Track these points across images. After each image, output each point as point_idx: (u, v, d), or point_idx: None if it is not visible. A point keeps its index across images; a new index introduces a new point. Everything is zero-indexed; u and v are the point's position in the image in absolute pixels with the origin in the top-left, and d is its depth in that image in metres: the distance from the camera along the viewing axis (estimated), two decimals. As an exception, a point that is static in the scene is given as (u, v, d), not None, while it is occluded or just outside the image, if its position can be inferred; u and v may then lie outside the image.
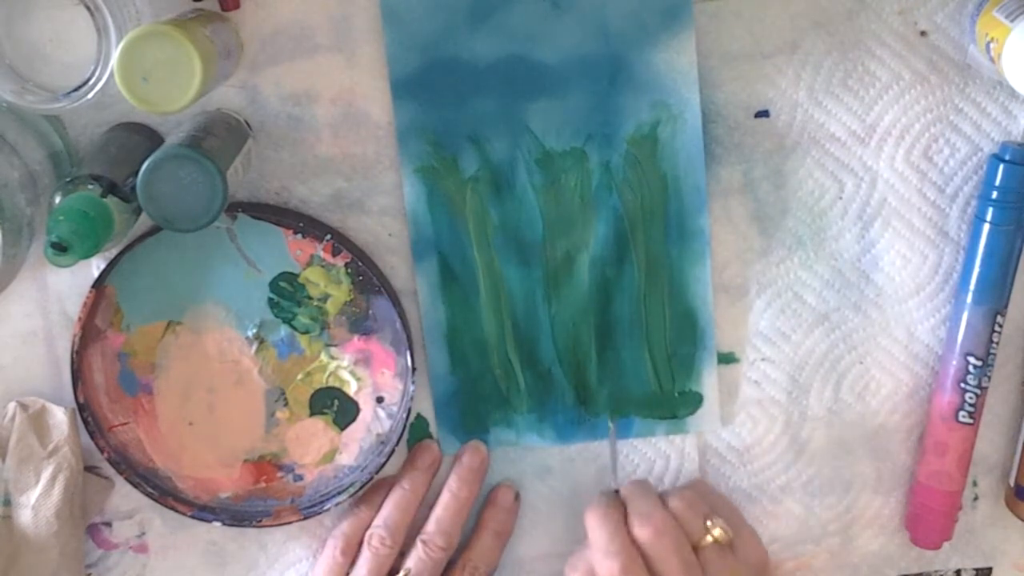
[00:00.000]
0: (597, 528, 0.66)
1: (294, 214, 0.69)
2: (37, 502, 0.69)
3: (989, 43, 0.64)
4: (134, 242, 0.68)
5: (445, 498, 0.71)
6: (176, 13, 0.62)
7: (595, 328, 0.72)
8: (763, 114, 0.69)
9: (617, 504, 0.67)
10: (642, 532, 0.65)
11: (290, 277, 0.70)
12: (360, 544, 0.71)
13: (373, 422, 0.72)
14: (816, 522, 0.75)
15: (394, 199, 0.70)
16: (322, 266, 0.70)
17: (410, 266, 0.71)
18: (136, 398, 0.71)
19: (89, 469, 0.72)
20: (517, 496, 0.74)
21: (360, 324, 0.71)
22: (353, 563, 0.71)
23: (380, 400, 0.72)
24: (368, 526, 0.71)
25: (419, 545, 0.70)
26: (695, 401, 0.73)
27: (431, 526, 0.71)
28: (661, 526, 0.65)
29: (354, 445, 0.72)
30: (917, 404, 0.73)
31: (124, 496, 0.73)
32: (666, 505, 0.67)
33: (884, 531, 0.75)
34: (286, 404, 0.72)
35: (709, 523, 0.66)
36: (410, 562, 0.70)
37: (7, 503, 0.69)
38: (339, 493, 0.71)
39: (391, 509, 0.71)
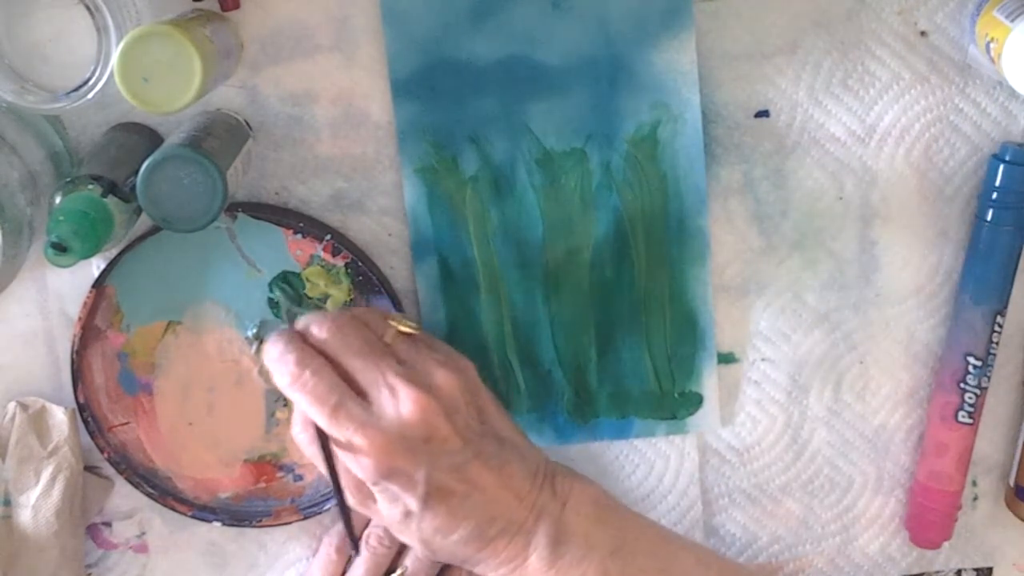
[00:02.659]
0: (270, 348, 0.62)
1: (294, 214, 0.69)
2: (37, 502, 0.69)
3: (989, 43, 0.64)
4: (134, 242, 0.68)
5: None
6: (176, 13, 0.62)
7: (595, 328, 0.72)
8: (763, 114, 0.69)
9: (294, 334, 0.63)
10: (319, 331, 0.61)
11: (290, 277, 0.70)
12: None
13: (373, 422, 0.72)
14: (816, 522, 0.75)
15: (394, 199, 0.70)
16: (322, 266, 0.70)
17: (410, 266, 0.71)
18: (136, 398, 0.71)
19: (89, 469, 0.72)
20: None
21: (360, 324, 0.71)
22: (349, 561, 0.71)
23: (380, 400, 0.72)
24: (365, 526, 0.71)
25: None
26: (695, 401, 0.73)
27: None
28: (338, 319, 0.62)
29: (354, 445, 0.72)
30: (917, 404, 0.73)
31: (124, 496, 0.73)
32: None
33: (884, 531, 0.76)
34: (286, 404, 0.72)
35: (392, 320, 0.64)
36: (407, 561, 0.70)
37: (7, 503, 0.69)
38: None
39: None
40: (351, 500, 0.64)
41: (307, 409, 0.60)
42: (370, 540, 0.70)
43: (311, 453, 0.63)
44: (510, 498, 0.63)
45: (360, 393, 0.61)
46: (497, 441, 0.64)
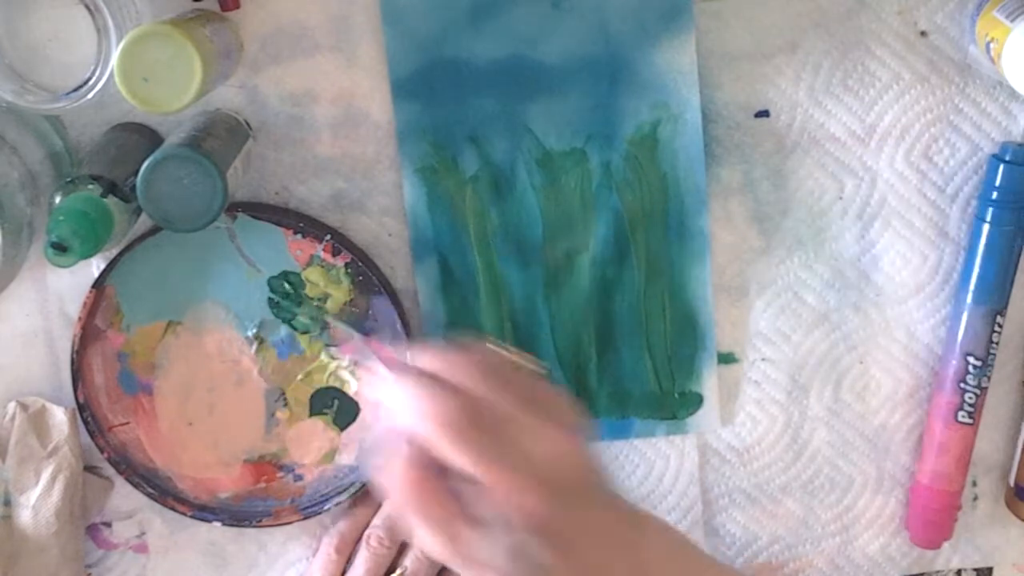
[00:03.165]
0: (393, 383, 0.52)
1: (294, 214, 0.69)
2: (37, 502, 0.69)
3: (989, 43, 0.64)
4: (134, 242, 0.68)
5: None
6: (176, 13, 0.62)
7: (595, 328, 0.72)
8: (763, 114, 0.69)
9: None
10: (428, 360, 0.53)
11: (290, 277, 0.70)
12: (356, 543, 0.71)
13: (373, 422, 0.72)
14: (816, 522, 0.75)
15: (394, 199, 0.70)
16: (322, 266, 0.70)
17: (410, 266, 0.71)
18: (136, 398, 0.71)
19: (89, 469, 0.72)
20: None
21: (360, 324, 0.71)
22: (349, 561, 0.71)
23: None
24: (365, 526, 0.71)
25: (416, 545, 0.70)
26: (695, 401, 0.73)
27: None
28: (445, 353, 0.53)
29: (354, 445, 0.72)
30: (917, 404, 0.73)
31: (124, 496, 0.73)
32: None
33: (884, 531, 0.76)
34: (286, 404, 0.72)
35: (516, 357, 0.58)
36: (407, 560, 0.70)
37: (7, 503, 0.69)
38: (339, 493, 0.71)
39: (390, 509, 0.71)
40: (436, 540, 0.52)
41: (446, 444, 0.50)
42: (370, 540, 0.70)
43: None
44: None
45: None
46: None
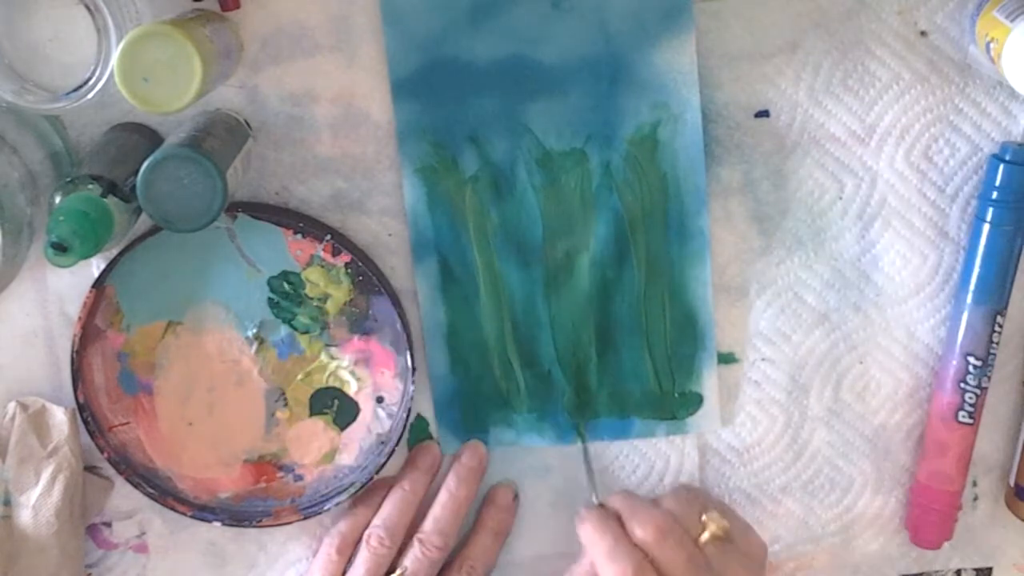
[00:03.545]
0: (597, 538, 0.65)
1: (294, 214, 0.69)
2: (37, 502, 0.69)
3: (989, 43, 0.64)
4: (134, 242, 0.68)
5: (443, 497, 0.71)
6: (176, 13, 0.62)
7: (595, 329, 0.72)
8: (763, 114, 0.69)
9: (609, 513, 0.67)
10: (645, 533, 0.64)
11: (290, 276, 0.70)
12: (357, 543, 0.71)
13: (373, 422, 0.72)
14: (816, 522, 0.75)
15: (394, 199, 0.70)
16: (322, 266, 0.70)
17: (410, 266, 0.71)
18: (136, 398, 0.71)
19: (89, 469, 0.72)
20: (516, 495, 0.74)
21: (360, 324, 0.71)
22: (349, 562, 0.71)
23: (380, 400, 0.72)
24: (365, 526, 0.71)
25: (416, 544, 0.70)
26: (695, 402, 0.73)
27: (428, 525, 0.71)
28: (663, 525, 0.64)
29: (354, 445, 0.72)
30: (917, 404, 0.73)
31: (124, 496, 0.73)
32: (660, 506, 0.67)
33: (884, 531, 0.76)
34: (286, 404, 0.72)
35: (705, 517, 0.66)
36: (407, 561, 0.70)
37: (7, 503, 0.69)
38: (339, 493, 0.71)
39: (390, 509, 0.71)
40: None
41: None
42: (371, 540, 0.70)
43: None
44: None
45: None
46: None
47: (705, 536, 0.65)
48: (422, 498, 0.72)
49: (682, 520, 0.66)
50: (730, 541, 0.66)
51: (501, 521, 0.73)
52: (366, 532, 0.70)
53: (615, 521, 0.66)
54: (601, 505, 0.68)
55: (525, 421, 0.73)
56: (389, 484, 0.72)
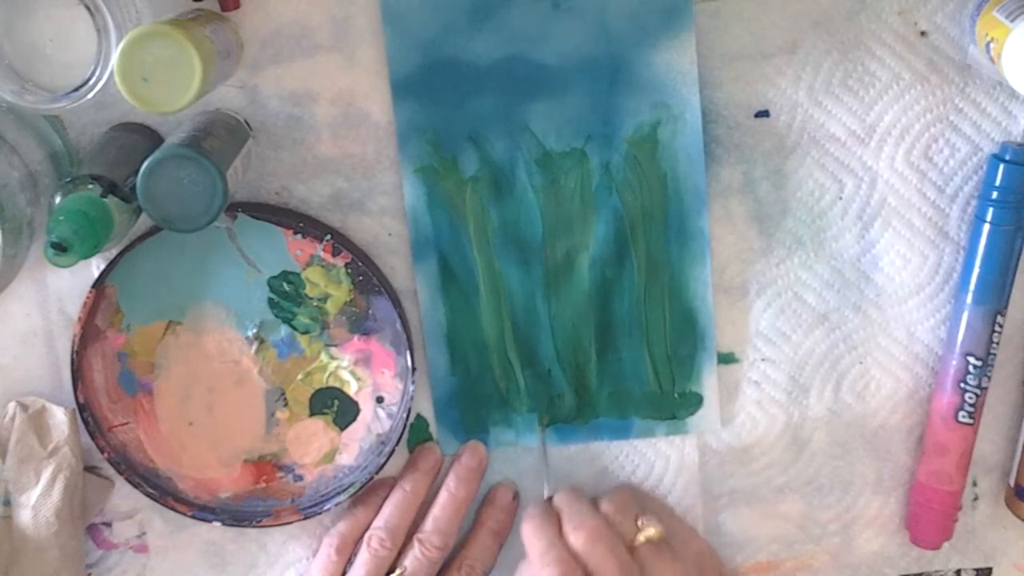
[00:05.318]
0: (533, 539, 0.66)
1: (294, 214, 0.69)
2: (37, 502, 0.69)
3: (989, 43, 0.64)
4: (134, 242, 0.68)
5: (443, 497, 0.71)
6: (176, 13, 0.62)
7: (595, 329, 0.72)
8: (763, 114, 0.69)
9: (551, 513, 0.68)
10: (576, 539, 0.65)
11: (290, 276, 0.70)
12: (356, 544, 0.71)
13: (373, 422, 0.72)
14: (816, 522, 0.75)
15: (394, 199, 0.70)
16: (322, 266, 0.70)
17: (410, 266, 0.71)
18: (136, 398, 0.71)
19: (89, 469, 0.72)
20: (516, 495, 0.74)
21: (360, 324, 0.71)
22: (349, 562, 0.71)
23: (380, 400, 0.72)
24: (365, 527, 0.71)
25: (415, 544, 0.70)
26: (695, 402, 0.73)
27: (428, 525, 0.71)
28: (594, 531, 0.65)
29: (354, 445, 0.72)
30: (917, 404, 0.73)
31: (124, 496, 0.73)
32: (597, 510, 0.67)
33: (884, 531, 0.76)
34: (286, 404, 0.72)
35: (641, 522, 0.67)
36: (406, 561, 0.70)
37: (7, 503, 0.69)
38: (339, 493, 0.71)
39: (391, 510, 0.71)
40: None
41: None
42: (371, 541, 0.70)
43: None
44: None
45: None
46: None
47: (640, 539, 0.66)
48: (423, 499, 0.72)
49: (617, 524, 0.67)
50: (666, 545, 0.66)
51: (501, 521, 0.73)
52: (367, 533, 0.70)
53: (553, 522, 0.67)
54: (548, 502, 0.69)
55: (525, 421, 0.73)
56: (390, 485, 0.72)
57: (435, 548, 0.70)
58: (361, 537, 0.71)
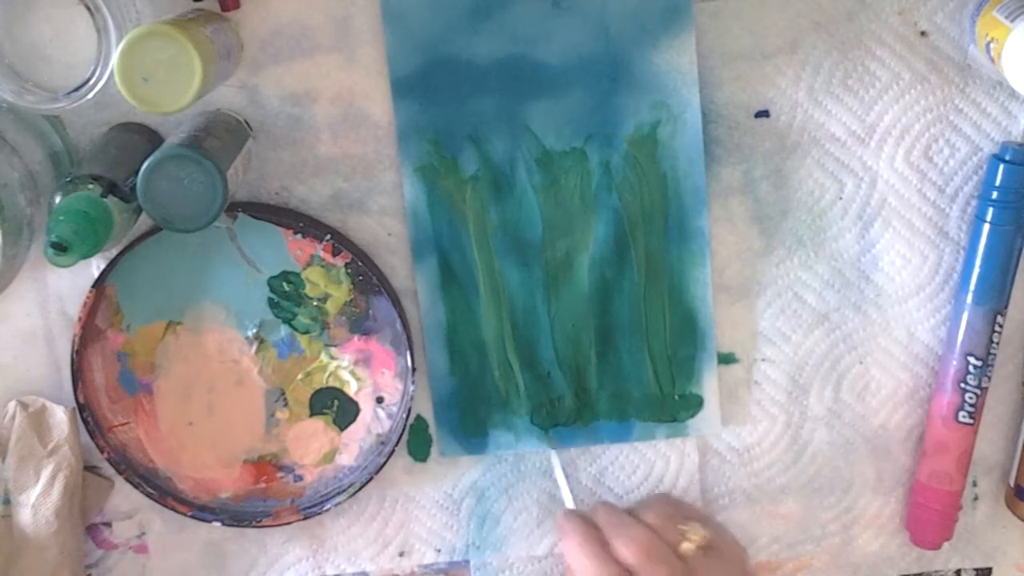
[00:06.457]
0: (580, 556, 0.65)
1: (294, 214, 0.69)
2: (37, 501, 0.69)
3: (989, 43, 0.64)
4: (134, 242, 0.68)
5: None
6: (176, 13, 0.62)
7: (595, 330, 0.72)
8: (763, 114, 0.69)
9: (591, 527, 0.67)
10: (629, 553, 0.64)
11: (290, 276, 0.70)
12: None
13: (373, 422, 0.72)
14: (816, 522, 0.75)
15: (394, 199, 0.70)
16: (322, 266, 0.70)
17: (410, 266, 0.71)
18: (136, 398, 0.71)
19: (89, 469, 0.72)
20: None
21: (360, 324, 0.71)
22: None
23: (380, 400, 0.72)
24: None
25: None
26: (695, 404, 0.73)
27: None
28: (647, 543, 0.64)
29: (354, 445, 0.72)
30: (917, 404, 0.73)
31: (124, 496, 0.73)
32: (641, 521, 0.67)
33: (884, 531, 0.76)
34: (286, 404, 0.72)
35: (685, 528, 0.66)
36: None
37: (7, 502, 0.69)
38: (339, 493, 0.71)
39: None
40: None
41: None
42: None
43: None
44: None
45: None
46: None
47: (686, 547, 0.65)
48: None
49: (663, 533, 0.66)
50: (712, 549, 0.66)
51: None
52: None
53: (598, 538, 0.66)
54: (581, 514, 0.68)
55: (524, 424, 0.73)
56: None
57: None
58: None
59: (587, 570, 0.64)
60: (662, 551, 0.64)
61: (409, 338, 0.70)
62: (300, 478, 0.73)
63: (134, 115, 0.67)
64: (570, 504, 0.71)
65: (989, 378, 0.71)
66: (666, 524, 0.66)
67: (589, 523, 0.67)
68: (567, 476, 0.73)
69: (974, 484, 0.75)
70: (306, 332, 0.71)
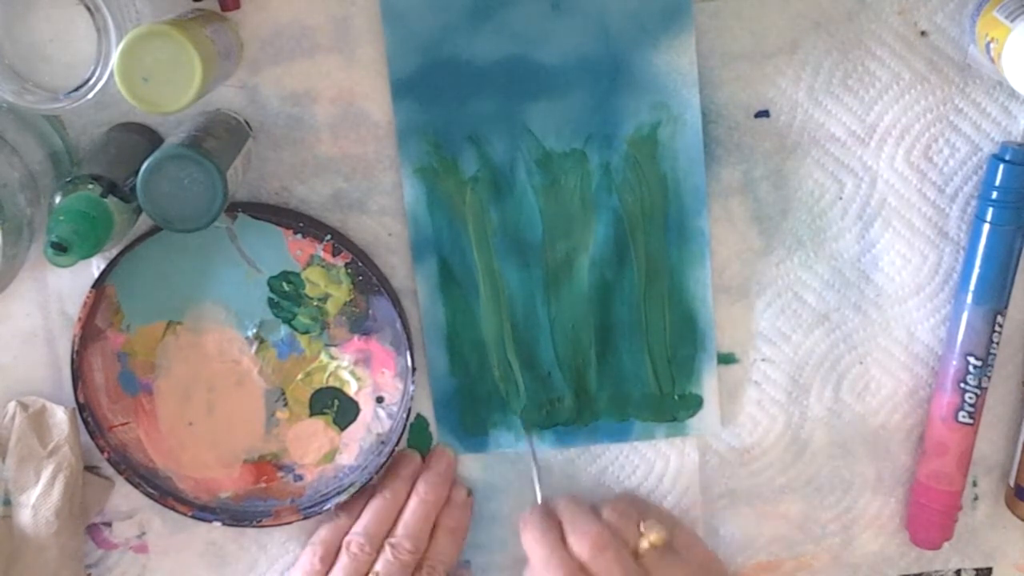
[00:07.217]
0: (535, 546, 0.66)
1: (294, 214, 0.69)
2: (37, 502, 0.69)
3: (989, 43, 0.64)
4: (134, 242, 0.68)
5: (413, 503, 0.71)
6: (176, 13, 0.62)
7: (595, 330, 0.72)
8: (763, 114, 0.69)
9: (552, 520, 0.68)
10: (581, 548, 0.65)
11: (290, 276, 0.70)
12: (338, 551, 0.71)
13: (373, 422, 0.72)
14: (816, 522, 0.75)
15: (394, 199, 0.70)
16: (322, 266, 0.70)
17: (410, 266, 0.71)
18: (136, 398, 0.71)
19: (89, 469, 0.72)
20: (469, 492, 0.74)
21: (360, 324, 0.71)
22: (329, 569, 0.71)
23: (380, 400, 0.72)
24: (346, 532, 0.71)
25: (387, 549, 0.70)
26: (695, 404, 0.73)
27: (399, 530, 0.71)
28: (598, 538, 0.65)
29: (354, 445, 0.72)
30: (917, 404, 0.73)
31: (124, 496, 0.73)
32: (599, 516, 0.67)
33: (884, 531, 0.76)
34: (286, 404, 0.72)
35: (643, 527, 0.67)
36: (379, 565, 0.70)
37: (7, 503, 0.69)
38: (339, 493, 0.71)
39: (370, 516, 0.71)
40: None
41: None
42: (351, 546, 0.70)
43: None
44: None
45: None
46: None
47: (644, 545, 0.66)
48: (403, 505, 0.72)
49: (620, 531, 0.67)
50: (670, 550, 0.66)
51: (457, 519, 0.73)
52: (346, 539, 0.70)
53: (556, 529, 0.67)
54: (544, 507, 0.69)
55: (521, 423, 0.73)
56: (369, 492, 0.72)
57: (407, 552, 0.70)
58: (341, 543, 0.71)
59: (541, 560, 0.66)
60: (615, 547, 0.65)
61: (409, 338, 0.70)
62: (300, 478, 0.73)
63: (134, 115, 0.67)
64: (539, 499, 0.72)
65: (989, 378, 0.71)
66: (625, 522, 0.67)
67: (550, 516, 0.68)
68: (540, 470, 0.72)
69: (974, 484, 0.75)
70: (306, 332, 0.71)
